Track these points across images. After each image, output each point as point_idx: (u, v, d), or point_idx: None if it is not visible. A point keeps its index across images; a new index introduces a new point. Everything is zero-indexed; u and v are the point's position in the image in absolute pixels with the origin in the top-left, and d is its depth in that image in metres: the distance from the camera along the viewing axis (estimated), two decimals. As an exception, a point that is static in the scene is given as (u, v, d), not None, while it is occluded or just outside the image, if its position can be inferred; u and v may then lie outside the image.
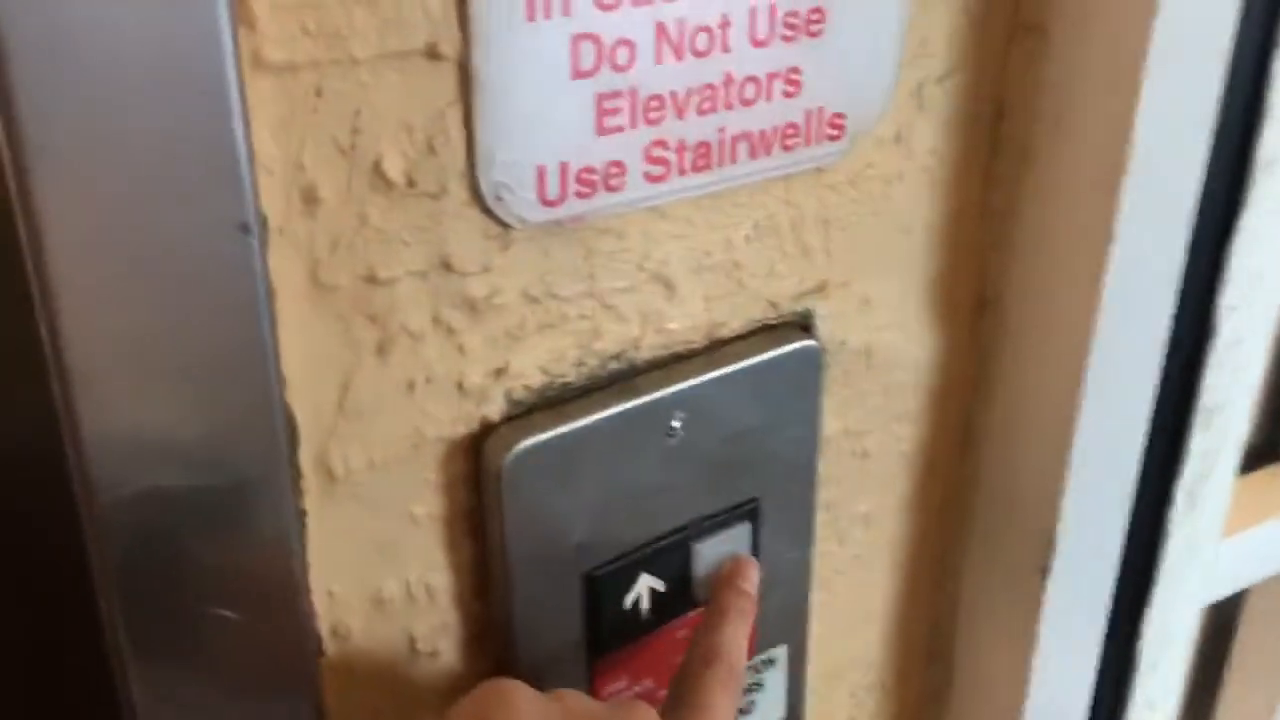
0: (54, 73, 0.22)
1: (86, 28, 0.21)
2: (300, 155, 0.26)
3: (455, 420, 0.31)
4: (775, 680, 0.41)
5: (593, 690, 0.36)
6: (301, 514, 0.29)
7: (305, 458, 0.29)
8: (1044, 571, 0.42)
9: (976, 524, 0.45)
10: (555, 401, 0.32)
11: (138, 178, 0.23)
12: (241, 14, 0.24)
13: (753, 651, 0.40)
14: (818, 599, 0.42)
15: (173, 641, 0.28)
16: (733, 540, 0.37)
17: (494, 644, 0.34)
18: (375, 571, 0.31)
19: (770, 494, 0.37)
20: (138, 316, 0.24)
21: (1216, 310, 0.41)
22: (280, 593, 0.29)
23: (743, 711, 0.41)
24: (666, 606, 0.36)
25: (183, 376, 0.26)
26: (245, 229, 0.24)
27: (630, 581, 0.35)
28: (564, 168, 0.30)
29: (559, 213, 0.30)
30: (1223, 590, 0.64)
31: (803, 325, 0.37)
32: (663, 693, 0.38)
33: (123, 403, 0.25)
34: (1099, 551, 0.44)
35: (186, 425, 0.26)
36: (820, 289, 0.37)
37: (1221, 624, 0.74)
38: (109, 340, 0.25)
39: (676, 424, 0.34)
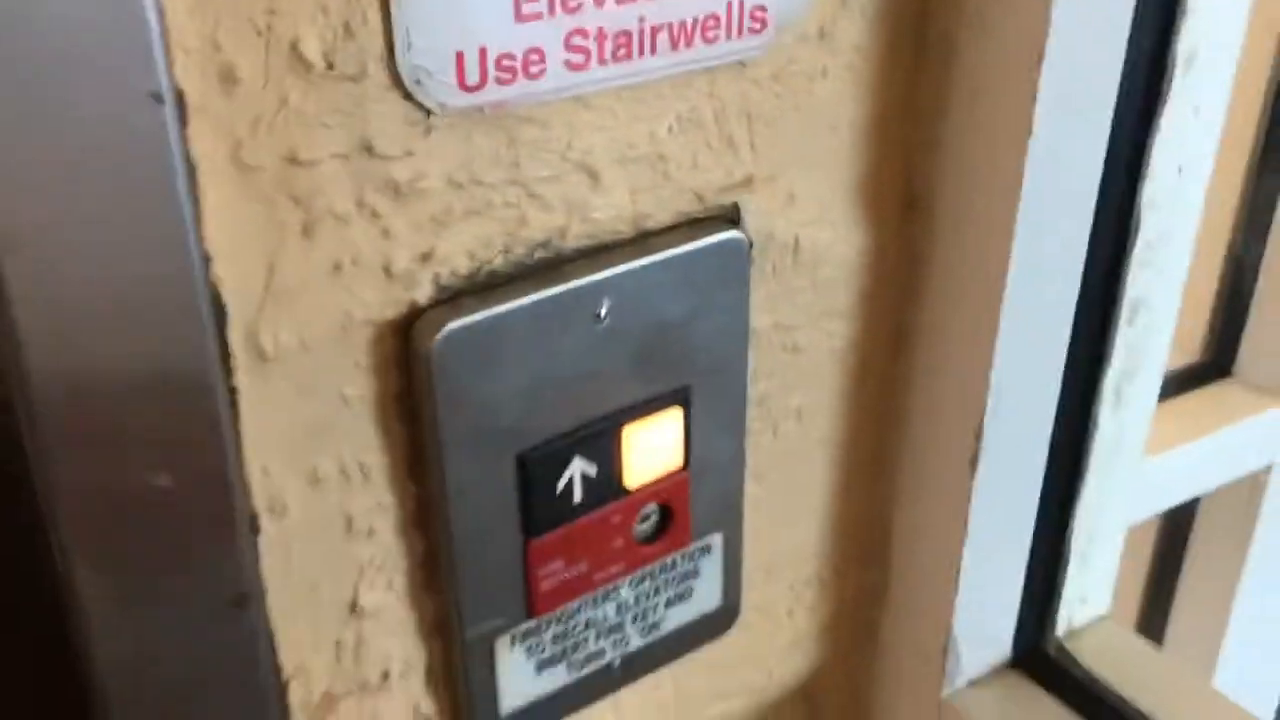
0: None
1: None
2: (216, 34, 0.27)
3: (383, 303, 0.32)
4: (711, 568, 0.42)
5: (528, 571, 0.37)
6: (232, 391, 0.30)
7: (234, 336, 0.30)
8: (973, 464, 0.44)
9: (910, 420, 0.46)
10: (483, 287, 0.34)
11: (48, 50, 0.23)
12: (152, -110, 0.25)
13: (689, 539, 0.41)
14: (753, 491, 0.43)
15: (109, 515, 0.29)
16: (664, 426, 0.38)
17: (430, 524, 0.36)
18: (309, 451, 0.33)
19: (701, 383, 0.39)
20: (57, 190, 0.25)
21: (1138, 207, 0.42)
22: (214, 468, 0.30)
23: (680, 598, 0.42)
24: (599, 491, 0.37)
25: (107, 250, 0.26)
26: (158, 99, 0.24)
27: (562, 465, 0.36)
28: (483, 53, 0.30)
29: (480, 98, 0.31)
30: (1154, 498, 0.66)
31: (729, 219, 0.38)
32: (601, 574, 0.39)
33: (50, 281, 0.26)
34: (1027, 444, 0.45)
35: (113, 300, 0.27)
36: (746, 183, 0.38)
37: (1175, 533, 0.76)
38: (31, 220, 0.25)
39: (604, 310, 0.35)
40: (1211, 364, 0.73)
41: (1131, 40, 0.39)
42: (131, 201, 0.26)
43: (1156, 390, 0.48)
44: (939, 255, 0.43)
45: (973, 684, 0.49)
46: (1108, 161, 0.41)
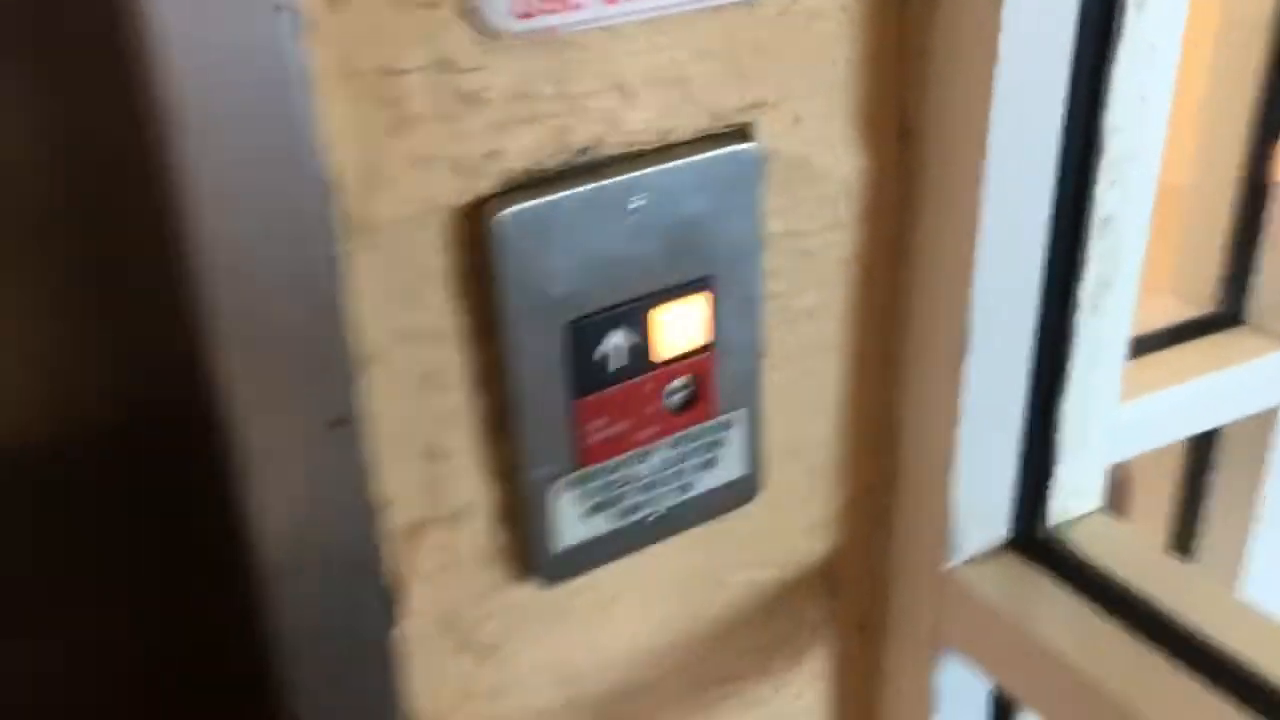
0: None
1: None
2: (330, -33, 0.35)
3: (458, 191, 0.40)
4: (735, 441, 0.50)
5: (576, 426, 0.45)
6: (337, 260, 0.39)
7: (342, 211, 0.38)
8: (962, 357, 0.51)
9: (911, 323, 0.53)
10: (536, 182, 0.42)
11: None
12: None
13: (715, 412, 0.49)
14: (772, 379, 0.51)
15: (252, 338, 0.37)
16: (690, 309, 0.46)
17: (496, 382, 0.44)
18: (399, 311, 0.41)
19: (722, 274, 0.46)
20: (209, 83, 0.34)
21: (1101, 131, 0.49)
22: (327, 311, 0.38)
23: (707, 465, 0.50)
24: (634, 361, 0.45)
25: (250, 137, 0.35)
26: (278, 9, 0.33)
27: (603, 335, 0.44)
28: (535, -11, 0.39)
29: (532, 25, 0.39)
30: (1169, 429, 0.72)
31: (743, 135, 0.46)
32: (639, 436, 0.47)
33: (208, 164, 0.35)
34: (1011, 344, 0.52)
35: (258, 176, 0.36)
36: (757, 106, 0.45)
37: (1198, 467, 0.81)
38: (203, 124, 0.34)
39: (635, 204, 0.43)
40: (1224, 314, 0.78)
41: (1086, -16, 0.46)
42: (266, 99, 0.35)
43: (1132, 303, 0.55)
44: (930, 178, 0.50)
45: (972, 561, 0.56)
46: (1071, 92, 0.48)
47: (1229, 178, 0.75)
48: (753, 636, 0.56)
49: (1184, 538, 0.83)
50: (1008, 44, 0.45)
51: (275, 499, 0.40)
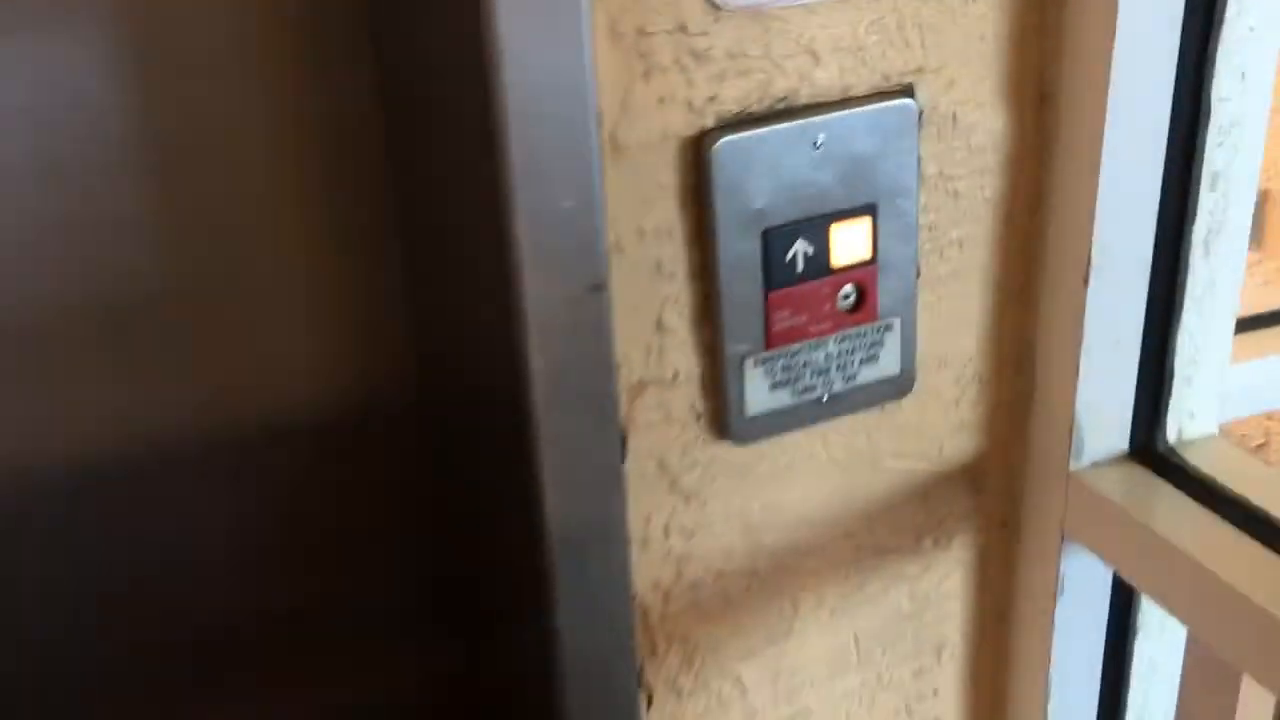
0: (501, -98, 0.47)
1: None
2: (608, -45, 0.50)
3: (686, 125, 0.55)
4: (893, 342, 0.62)
5: (767, 314, 0.59)
6: (600, 170, 0.53)
7: (604, 134, 0.53)
8: (1085, 283, 0.62)
9: (1045, 259, 0.65)
10: (746, 120, 0.56)
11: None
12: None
13: (876, 316, 0.61)
14: (925, 297, 0.63)
15: (542, 229, 0.52)
16: (859, 229, 0.59)
17: (708, 274, 0.58)
18: (638, 214, 0.55)
19: (885, 203, 0.59)
20: (528, 53, 0.49)
21: (1209, 100, 0.60)
22: (587, 207, 0.53)
23: (870, 360, 0.62)
24: (814, 266, 0.59)
25: (545, 80, 0.50)
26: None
27: (791, 241, 0.58)
28: (750, -26, 0.53)
29: (746, 1, 0.53)
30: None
31: (906, 92, 0.58)
32: (815, 328, 0.60)
33: (519, 95, 0.50)
34: (1130, 277, 0.63)
35: (553, 101, 0.50)
36: (919, 71, 0.58)
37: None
38: (519, 74, 0.49)
39: (819, 142, 0.56)
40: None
41: (1193, -23, 0.57)
42: (558, 51, 0.50)
43: (1244, 249, 0.65)
44: (1062, 135, 0.62)
45: (1095, 464, 0.67)
46: (1179, 67, 0.59)
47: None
48: (906, 519, 0.68)
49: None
50: (1125, 25, 0.57)
51: (547, 345, 0.54)
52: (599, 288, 0.54)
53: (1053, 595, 0.69)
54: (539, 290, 0.53)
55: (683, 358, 0.59)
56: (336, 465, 0.74)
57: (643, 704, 0.66)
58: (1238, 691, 0.77)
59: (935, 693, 0.74)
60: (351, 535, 0.76)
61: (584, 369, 0.56)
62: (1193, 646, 0.74)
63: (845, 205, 0.58)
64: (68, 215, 0.63)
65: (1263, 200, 2.30)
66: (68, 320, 0.65)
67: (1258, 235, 2.23)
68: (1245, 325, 0.83)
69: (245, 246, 0.68)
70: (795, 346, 0.60)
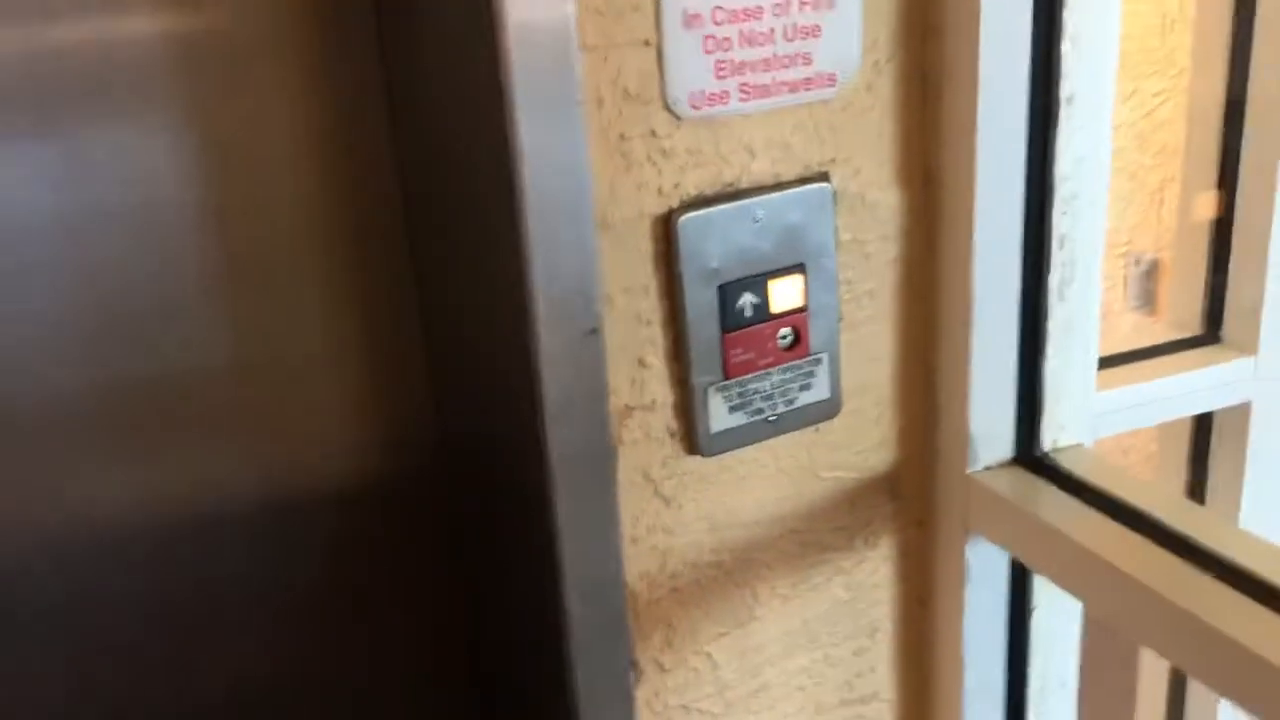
0: None
1: None
2: (606, 84, 0.68)
3: (658, 206, 0.72)
4: (823, 373, 0.79)
5: (724, 351, 0.75)
6: (594, 241, 0.70)
7: (597, 216, 0.70)
8: (970, 326, 0.80)
9: (940, 303, 0.82)
10: (702, 202, 0.73)
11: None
12: None
13: (809, 352, 0.78)
14: (846, 337, 0.80)
15: (551, 285, 0.69)
16: (792, 283, 0.76)
17: (675, 321, 0.74)
18: (621, 276, 0.72)
19: (812, 262, 0.76)
20: (541, 156, 0.66)
21: (1053, 178, 0.78)
22: (586, 273, 0.69)
23: (805, 387, 0.79)
24: (758, 313, 0.76)
25: (555, 178, 0.67)
26: (577, 102, 0.65)
27: (740, 294, 0.75)
28: (702, 92, 0.70)
29: (700, 114, 0.71)
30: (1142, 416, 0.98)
31: (824, 178, 0.76)
32: (762, 362, 0.77)
33: (539, 191, 0.67)
34: (1002, 316, 0.80)
35: (557, 200, 0.67)
36: (832, 161, 0.76)
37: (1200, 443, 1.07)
38: (535, 172, 0.66)
39: (759, 217, 0.74)
40: (1206, 335, 1.05)
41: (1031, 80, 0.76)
42: (563, 153, 0.67)
43: (1095, 297, 0.83)
44: (945, 207, 0.80)
45: (988, 468, 0.83)
46: (1029, 155, 0.77)
47: (1203, 242, 1.03)
48: (841, 519, 0.84)
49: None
50: (985, 123, 0.75)
51: (556, 377, 0.70)
52: (595, 332, 0.70)
53: (962, 581, 0.86)
54: (550, 334, 0.69)
55: (659, 388, 0.75)
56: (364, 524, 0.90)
57: (633, 679, 0.81)
58: (1136, 653, 0.93)
59: (873, 669, 0.89)
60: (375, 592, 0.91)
61: (584, 396, 0.72)
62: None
63: (781, 265, 0.76)
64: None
65: (1157, 270, 2.53)
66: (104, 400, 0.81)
67: (1152, 301, 2.45)
68: (1119, 359, 1.02)
69: (281, 335, 0.85)
70: (747, 377, 0.77)
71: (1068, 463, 0.84)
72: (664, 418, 0.76)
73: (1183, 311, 1.05)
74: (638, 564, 0.78)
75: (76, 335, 0.79)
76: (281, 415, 0.87)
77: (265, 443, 0.87)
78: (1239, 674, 0.66)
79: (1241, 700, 0.67)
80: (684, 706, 0.83)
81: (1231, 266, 1.02)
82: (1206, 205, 1.00)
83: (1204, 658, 0.68)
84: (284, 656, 0.92)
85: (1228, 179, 1.00)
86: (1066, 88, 0.77)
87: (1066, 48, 0.75)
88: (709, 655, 0.83)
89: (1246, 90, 0.97)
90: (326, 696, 0.95)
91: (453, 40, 0.71)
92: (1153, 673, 1.12)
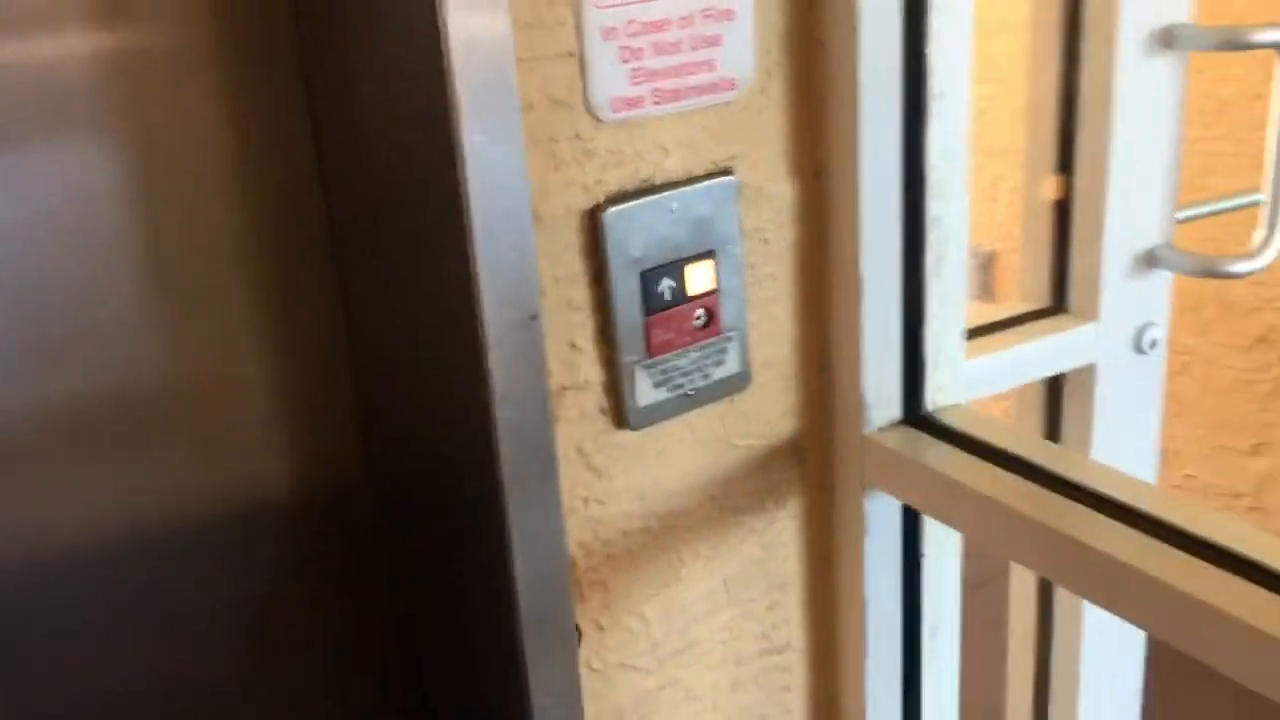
0: (463, 58, 0.71)
1: None
2: (539, 89, 0.75)
3: (585, 201, 0.79)
4: (734, 350, 0.88)
5: (647, 332, 0.83)
6: (532, 234, 0.77)
7: (533, 210, 0.77)
8: (859, 301, 0.89)
9: (832, 284, 0.91)
10: (624, 197, 0.80)
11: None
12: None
13: (720, 331, 0.86)
14: (751, 317, 0.88)
15: (495, 274, 0.75)
16: (704, 268, 0.84)
17: (606, 306, 0.81)
18: (555, 266, 0.79)
19: (720, 249, 0.85)
20: (480, 159, 0.72)
21: (925, 168, 0.88)
22: (526, 261, 0.76)
23: (718, 363, 0.87)
24: (676, 296, 0.83)
25: (494, 178, 0.73)
26: (515, 108, 0.72)
27: (660, 280, 0.82)
28: (620, 98, 0.78)
29: (619, 116, 0.78)
30: (1005, 378, 1.09)
31: (728, 172, 0.85)
32: (680, 341, 0.85)
33: (481, 190, 0.73)
34: (887, 292, 0.90)
35: (498, 199, 0.74)
36: (735, 158, 0.85)
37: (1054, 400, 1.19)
38: (479, 169, 0.73)
39: (674, 209, 0.82)
40: (1054, 306, 1.17)
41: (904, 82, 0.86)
42: (501, 149, 0.73)
43: (962, 274, 0.93)
44: (833, 198, 0.89)
45: (880, 429, 0.93)
46: (905, 149, 0.87)
47: (1047, 223, 1.15)
48: (753, 484, 0.93)
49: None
50: (864, 124, 0.85)
51: (502, 358, 0.77)
52: (535, 317, 0.77)
53: (862, 533, 0.95)
54: (495, 317, 0.76)
55: (590, 368, 0.83)
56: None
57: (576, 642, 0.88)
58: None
59: (786, 620, 0.98)
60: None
61: (527, 377, 0.78)
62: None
63: (694, 252, 0.84)
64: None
65: (992, 261, 2.72)
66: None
67: (990, 292, 2.64)
68: (981, 331, 1.13)
69: (205, 354, 0.89)
70: (668, 355, 0.84)
71: (949, 419, 0.94)
72: (595, 396, 0.83)
73: (1033, 286, 1.17)
74: (575, 533, 0.85)
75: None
76: (207, 433, 0.91)
77: (191, 461, 0.91)
78: (1096, 577, 0.76)
79: (1100, 600, 0.77)
80: (621, 664, 0.90)
81: (1072, 243, 1.14)
82: (1049, 189, 1.12)
83: (1068, 566, 0.79)
84: (218, 671, 0.95)
85: (1066, 166, 1.12)
86: (935, 85, 0.87)
87: (933, 50, 0.86)
88: (642, 615, 0.90)
89: (1078, 86, 1.10)
90: (260, 704, 0.99)
91: (388, 58, 0.77)
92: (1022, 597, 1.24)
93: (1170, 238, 1.09)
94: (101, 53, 0.81)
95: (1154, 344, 1.13)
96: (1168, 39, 1.00)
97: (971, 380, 1.01)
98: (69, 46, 0.81)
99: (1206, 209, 1.22)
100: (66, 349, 0.84)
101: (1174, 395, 1.59)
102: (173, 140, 0.84)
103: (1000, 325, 1.13)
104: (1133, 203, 1.06)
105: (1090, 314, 1.15)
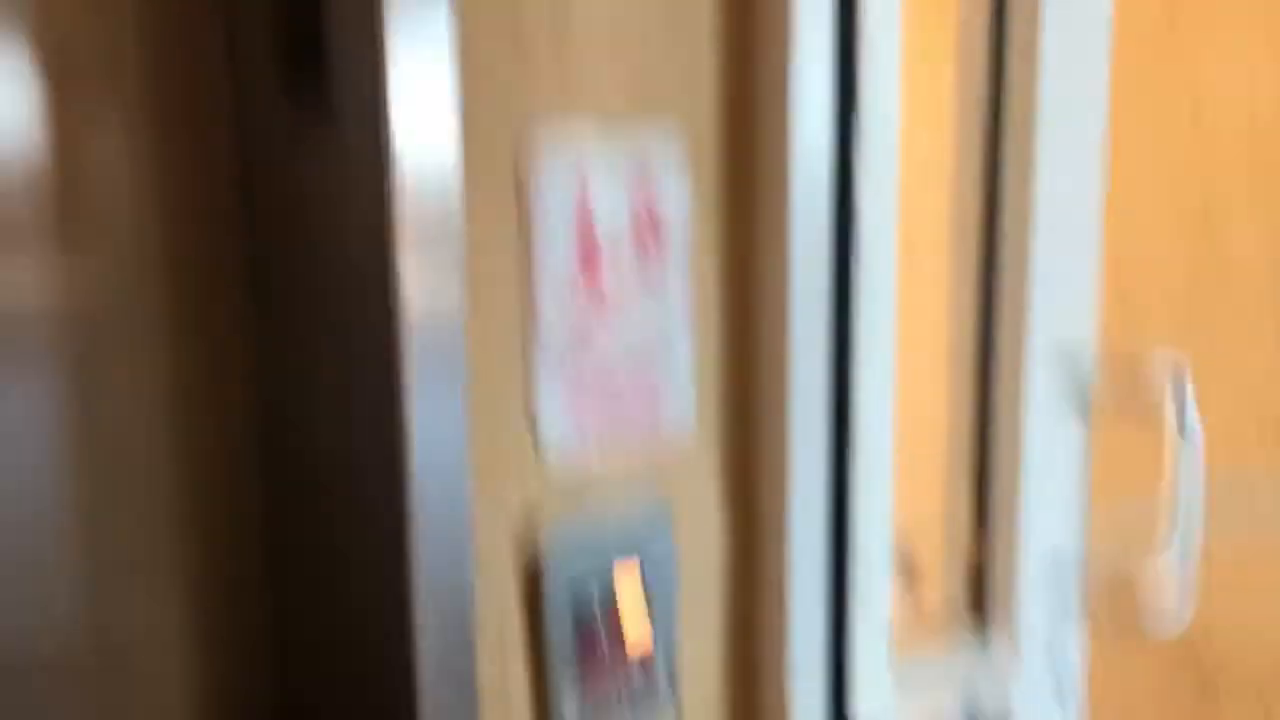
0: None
1: None
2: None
3: (526, 543, 0.85)
4: (662, 681, 0.92)
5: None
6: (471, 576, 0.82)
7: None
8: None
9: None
10: (569, 528, 0.87)
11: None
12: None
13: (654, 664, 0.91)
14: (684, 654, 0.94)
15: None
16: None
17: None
18: (493, 600, 0.85)
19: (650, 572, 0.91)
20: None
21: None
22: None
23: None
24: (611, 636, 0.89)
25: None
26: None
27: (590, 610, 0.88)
28: (570, 448, 0.85)
29: (568, 462, 0.86)
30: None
31: (666, 506, 0.91)
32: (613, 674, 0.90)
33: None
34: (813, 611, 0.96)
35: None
36: (671, 496, 0.91)
37: None
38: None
39: (613, 542, 0.88)
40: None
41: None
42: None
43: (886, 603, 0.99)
44: (765, 534, 0.95)
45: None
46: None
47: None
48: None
49: None
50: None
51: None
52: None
53: None
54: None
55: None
56: None
57: None
58: None
59: None
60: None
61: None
62: None
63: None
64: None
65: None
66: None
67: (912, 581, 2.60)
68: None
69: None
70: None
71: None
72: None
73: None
74: None
75: None
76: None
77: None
78: None
79: None
80: None
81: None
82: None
83: None
84: None
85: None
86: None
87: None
88: None
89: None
90: None
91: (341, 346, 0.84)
92: None
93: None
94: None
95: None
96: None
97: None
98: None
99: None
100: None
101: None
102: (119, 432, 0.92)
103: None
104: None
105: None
